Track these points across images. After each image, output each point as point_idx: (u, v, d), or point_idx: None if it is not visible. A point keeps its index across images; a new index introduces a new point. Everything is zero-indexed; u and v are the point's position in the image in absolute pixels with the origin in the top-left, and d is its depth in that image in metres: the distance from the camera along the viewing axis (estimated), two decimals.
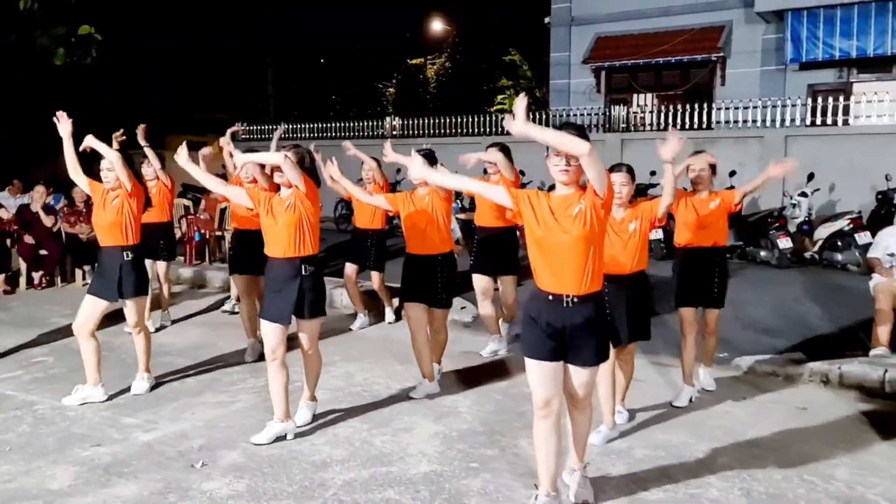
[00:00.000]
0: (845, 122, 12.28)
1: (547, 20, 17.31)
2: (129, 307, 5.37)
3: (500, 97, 33.11)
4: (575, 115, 15.25)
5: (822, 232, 10.92)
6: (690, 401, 5.07)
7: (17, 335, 7.20)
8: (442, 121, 17.05)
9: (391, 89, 28.93)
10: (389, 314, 7.81)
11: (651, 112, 14.13)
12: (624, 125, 14.36)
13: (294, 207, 4.42)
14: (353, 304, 7.75)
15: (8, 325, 7.68)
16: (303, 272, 4.45)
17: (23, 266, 9.80)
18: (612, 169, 4.29)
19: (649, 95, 15.79)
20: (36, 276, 9.90)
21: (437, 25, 30.65)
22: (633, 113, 14.36)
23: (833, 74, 14.15)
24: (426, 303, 5.35)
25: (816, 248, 10.93)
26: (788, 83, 14.43)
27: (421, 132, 17.22)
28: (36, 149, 17.79)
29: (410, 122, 17.53)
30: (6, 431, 4.64)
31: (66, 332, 7.18)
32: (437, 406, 5.09)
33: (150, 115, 24.86)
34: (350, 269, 7.61)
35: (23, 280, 9.79)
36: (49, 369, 6.06)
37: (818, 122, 12.45)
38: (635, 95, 16.21)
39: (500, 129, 15.66)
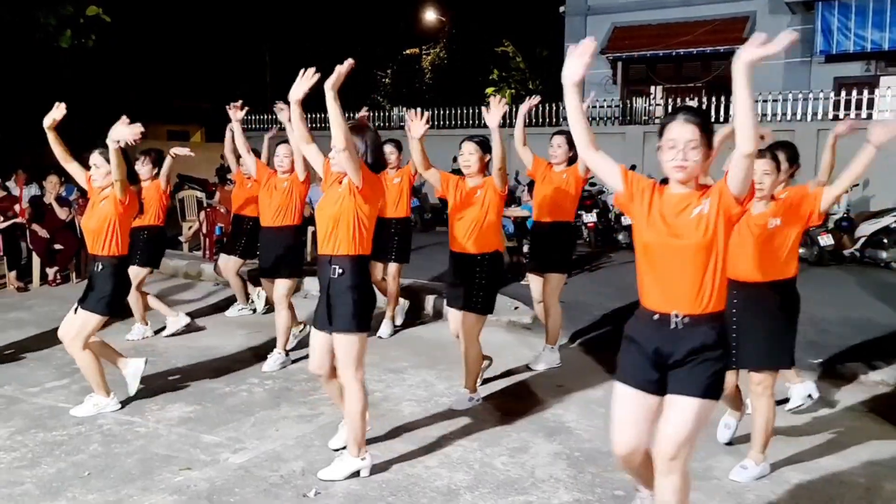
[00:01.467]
0: (869, 116, 12.07)
1: (562, 9, 16.91)
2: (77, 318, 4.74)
3: (490, 90, 32.71)
4: (591, 106, 14.86)
5: (866, 229, 10.66)
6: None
7: (45, 337, 6.63)
8: (451, 111, 16.61)
9: (386, 80, 28.34)
10: (387, 325, 6.80)
11: (674, 104, 13.79)
12: (646, 118, 14.02)
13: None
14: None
15: (32, 325, 7.12)
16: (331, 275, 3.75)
17: (35, 262, 9.20)
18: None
19: (669, 87, 15.45)
20: (50, 272, 9.30)
21: (431, 15, 30.16)
22: (657, 105, 14.02)
23: (860, 67, 13.93)
24: (461, 306, 4.81)
25: (858, 245, 10.70)
26: (814, 76, 14.18)
27: (428, 122, 16.73)
28: (24, 135, 17.11)
29: (417, 112, 17.02)
30: (76, 452, 4.13)
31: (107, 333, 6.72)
32: (542, 421, 4.67)
33: (130, 101, 24.12)
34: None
35: (36, 276, 9.19)
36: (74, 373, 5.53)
37: (851, 115, 12.22)
38: (653, 88, 15.86)
39: (512, 121, 15.23)
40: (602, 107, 14.88)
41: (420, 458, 4.06)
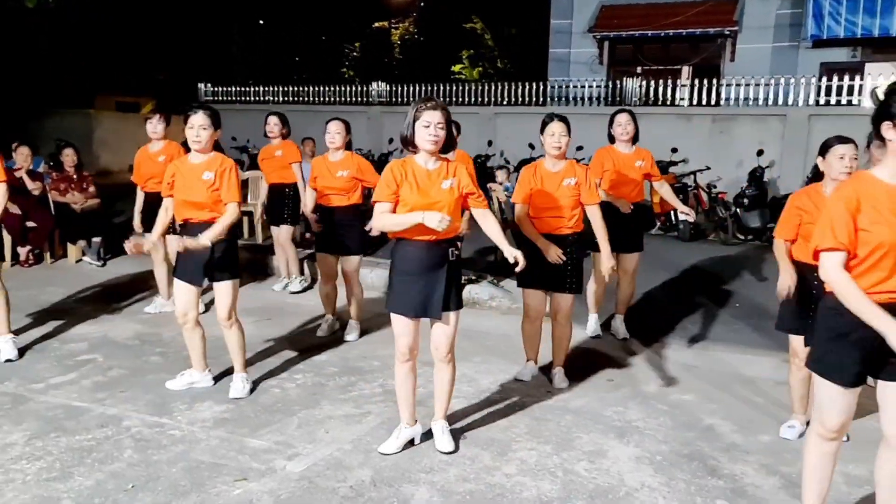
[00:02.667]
0: (853, 103, 12.05)
1: None
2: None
3: (457, 67, 32.22)
4: (576, 86, 14.59)
5: None
6: None
7: (35, 325, 6.11)
8: (434, 88, 16.10)
9: (356, 53, 27.57)
10: (355, 328, 6.06)
11: (662, 86, 13.56)
12: (636, 99, 13.77)
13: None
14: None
15: (16, 311, 6.50)
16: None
17: (6, 240, 8.51)
18: None
19: (654, 69, 15.23)
20: (22, 251, 8.62)
21: None
22: (643, 86, 13.76)
23: (846, 53, 13.90)
24: (557, 289, 4.79)
25: None
26: (801, 61, 14.12)
27: (410, 99, 16.26)
28: None
29: (398, 88, 16.53)
30: (110, 459, 3.67)
31: (87, 318, 6.28)
32: (606, 420, 4.37)
33: (79, 69, 22.88)
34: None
35: (7, 256, 8.51)
36: (106, 371, 5.03)
37: (832, 101, 12.18)
38: (639, 68, 15.64)
39: (498, 99, 14.86)
40: (590, 86, 14.59)
41: (496, 465, 3.72)
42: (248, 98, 18.23)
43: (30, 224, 8.54)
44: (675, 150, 12.11)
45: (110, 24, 22.42)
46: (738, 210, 10.27)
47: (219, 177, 4.38)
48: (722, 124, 12.72)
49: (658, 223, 11.84)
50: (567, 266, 4.70)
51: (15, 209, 8.44)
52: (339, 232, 5.87)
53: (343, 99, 17.05)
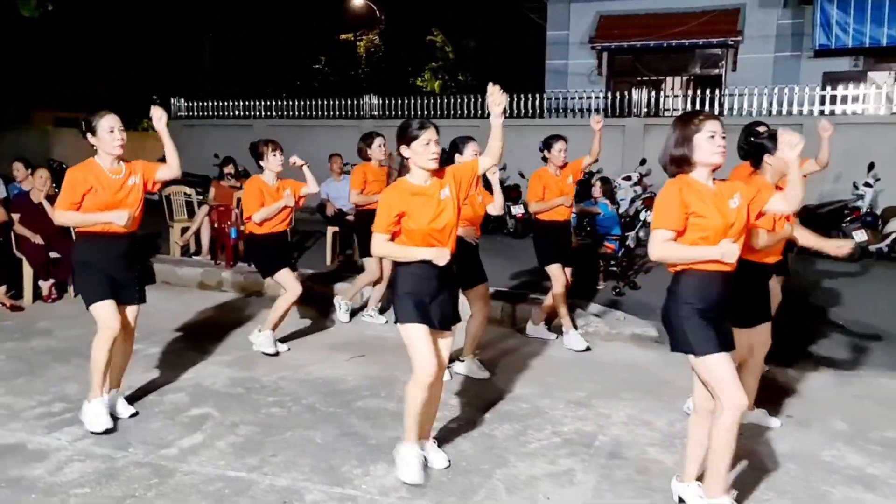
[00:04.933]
0: (857, 112, 12.17)
1: None
2: None
3: (419, 80, 31.87)
4: (573, 98, 14.37)
5: None
6: None
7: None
8: (428, 101, 15.66)
9: (326, 69, 26.86)
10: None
11: (676, 97, 13.45)
12: (646, 109, 13.61)
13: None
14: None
15: (77, 356, 5.75)
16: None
17: (27, 273, 7.64)
18: None
19: (668, 80, 15.15)
20: (45, 285, 7.77)
21: (360, 0, 28.87)
22: (648, 97, 13.62)
23: (848, 63, 14.07)
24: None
25: (889, 240, 10.68)
26: (803, 70, 14.23)
27: (403, 112, 15.77)
28: None
29: (391, 101, 16.02)
30: None
31: (161, 363, 5.62)
32: (832, 466, 3.98)
33: (10, 84, 21.44)
34: None
35: (28, 291, 7.65)
36: (233, 429, 4.39)
37: (837, 111, 12.27)
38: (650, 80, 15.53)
39: (476, 112, 14.49)
40: (588, 98, 14.38)
41: None
42: (226, 113, 17.45)
43: (53, 255, 7.70)
44: None
45: (52, 37, 21.21)
46: None
47: None
48: (732, 134, 12.63)
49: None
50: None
51: (37, 239, 7.63)
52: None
53: (333, 113, 16.43)
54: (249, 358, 5.84)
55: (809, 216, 10.22)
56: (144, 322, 6.71)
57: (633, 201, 11.70)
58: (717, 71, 14.96)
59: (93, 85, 25.52)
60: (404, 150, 3.65)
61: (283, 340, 6.13)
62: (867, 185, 10.99)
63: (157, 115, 4.44)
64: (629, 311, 7.10)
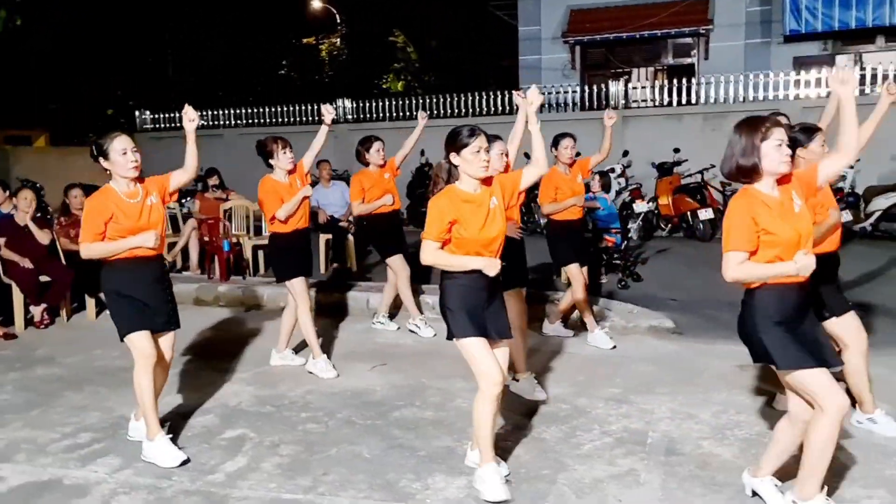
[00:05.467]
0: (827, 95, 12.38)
1: None
2: None
3: (383, 83, 31.69)
4: (550, 92, 14.39)
5: (881, 203, 10.87)
6: None
7: (124, 396, 5.16)
8: (402, 102, 15.57)
9: (293, 74, 26.50)
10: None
11: (652, 88, 13.55)
12: (623, 101, 13.68)
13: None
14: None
15: (91, 383, 5.53)
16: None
17: (17, 299, 7.35)
18: None
19: (642, 71, 15.24)
20: (37, 310, 7.48)
21: (317, 2, 28.57)
22: (634, 88, 13.72)
23: (818, 47, 14.32)
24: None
25: (872, 219, 10.89)
26: (773, 56, 14.44)
27: (377, 115, 15.66)
28: None
29: (365, 105, 15.88)
30: None
31: (177, 384, 5.37)
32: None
33: None
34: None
35: (19, 318, 7.35)
36: (275, 449, 4.23)
37: (811, 95, 12.48)
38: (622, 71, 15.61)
39: (467, 111, 14.46)
40: (565, 92, 14.43)
41: None
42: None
43: (43, 279, 7.41)
44: (677, 151, 12.08)
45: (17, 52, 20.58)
46: None
47: None
48: (713, 122, 12.80)
49: (671, 224, 11.79)
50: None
51: (26, 263, 7.33)
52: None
53: (305, 118, 16.25)
54: (268, 374, 5.69)
55: None
56: None
57: (619, 193, 11.75)
58: (689, 60, 15.11)
59: (45, 102, 24.85)
60: (454, 158, 3.55)
61: (295, 351, 5.99)
62: (850, 166, 11.21)
63: (191, 116, 4.25)
64: (637, 303, 7.09)
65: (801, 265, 2.95)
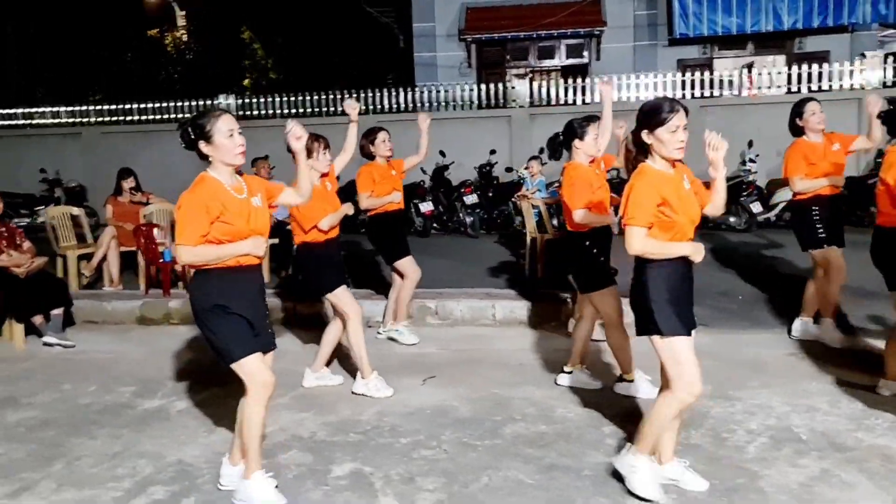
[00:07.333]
0: (711, 95, 13.24)
1: None
2: None
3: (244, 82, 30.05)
4: (447, 90, 14.18)
5: (785, 195, 11.64)
6: None
7: (159, 443, 4.26)
8: (295, 99, 14.66)
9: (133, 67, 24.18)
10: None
11: (557, 87, 13.67)
12: (529, 100, 13.70)
13: None
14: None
15: (81, 423, 4.51)
16: None
17: None
18: None
19: (539, 70, 15.34)
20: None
21: None
22: (540, 85, 13.77)
23: (698, 51, 15.18)
24: None
25: (777, 210, 11.65)
26: (660, 58, 15.14)
27: (264, 112, 14.65)
28: None
29: (250, 101, 14.79)
30: None
31: (224, 415, 4.64)
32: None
33: None
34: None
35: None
36: (413, 483, 3.60)
37: (688, 95, 13.21)
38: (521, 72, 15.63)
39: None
40: (463, 90, 14.25)
41: None
42: (44, 122, 15.34)
43: None
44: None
45: None
46: None
47: None
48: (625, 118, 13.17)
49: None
50: None
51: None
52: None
53: (182, 116, 14.85)
54: (308, 397, 4.96)
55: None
56: (130, 373, 5.53)
57: (548, 186, 11.71)
58: (583, 60, 15.47)
59: None
60: (645, 136, 3.22)
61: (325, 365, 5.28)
62: (752, 160, 11.93)
63: (297, 133, 3.55)
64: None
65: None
